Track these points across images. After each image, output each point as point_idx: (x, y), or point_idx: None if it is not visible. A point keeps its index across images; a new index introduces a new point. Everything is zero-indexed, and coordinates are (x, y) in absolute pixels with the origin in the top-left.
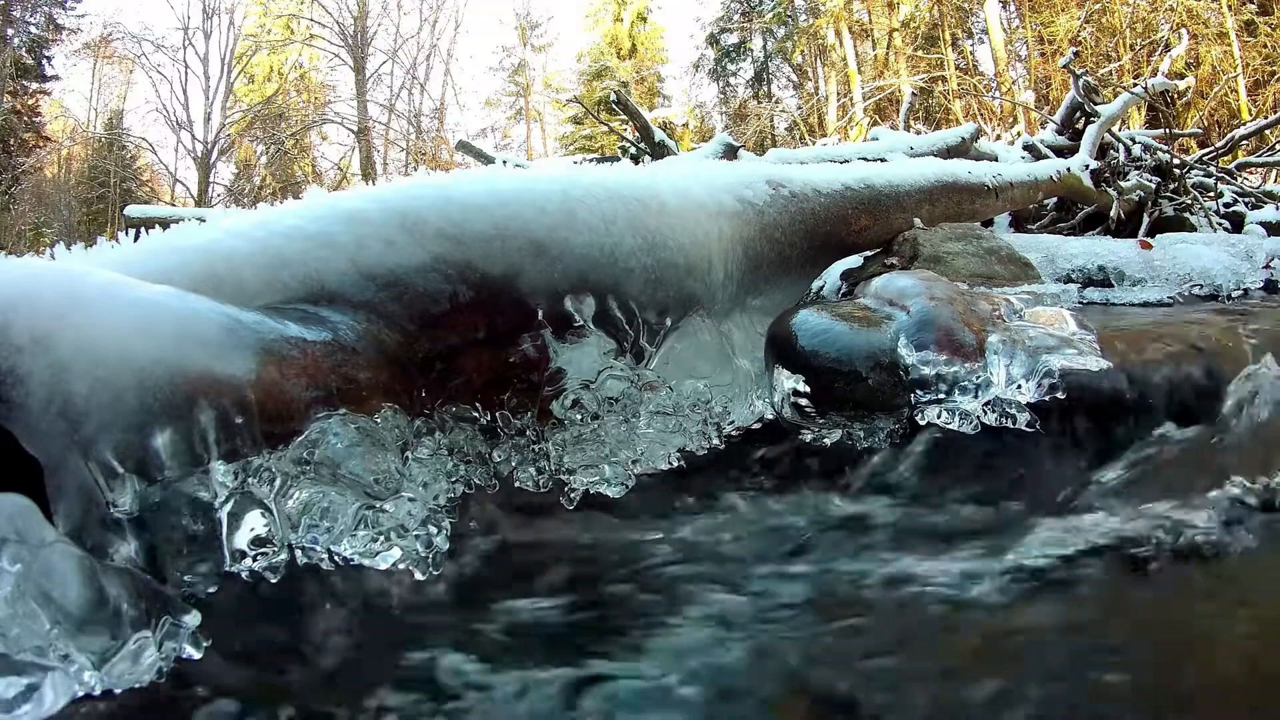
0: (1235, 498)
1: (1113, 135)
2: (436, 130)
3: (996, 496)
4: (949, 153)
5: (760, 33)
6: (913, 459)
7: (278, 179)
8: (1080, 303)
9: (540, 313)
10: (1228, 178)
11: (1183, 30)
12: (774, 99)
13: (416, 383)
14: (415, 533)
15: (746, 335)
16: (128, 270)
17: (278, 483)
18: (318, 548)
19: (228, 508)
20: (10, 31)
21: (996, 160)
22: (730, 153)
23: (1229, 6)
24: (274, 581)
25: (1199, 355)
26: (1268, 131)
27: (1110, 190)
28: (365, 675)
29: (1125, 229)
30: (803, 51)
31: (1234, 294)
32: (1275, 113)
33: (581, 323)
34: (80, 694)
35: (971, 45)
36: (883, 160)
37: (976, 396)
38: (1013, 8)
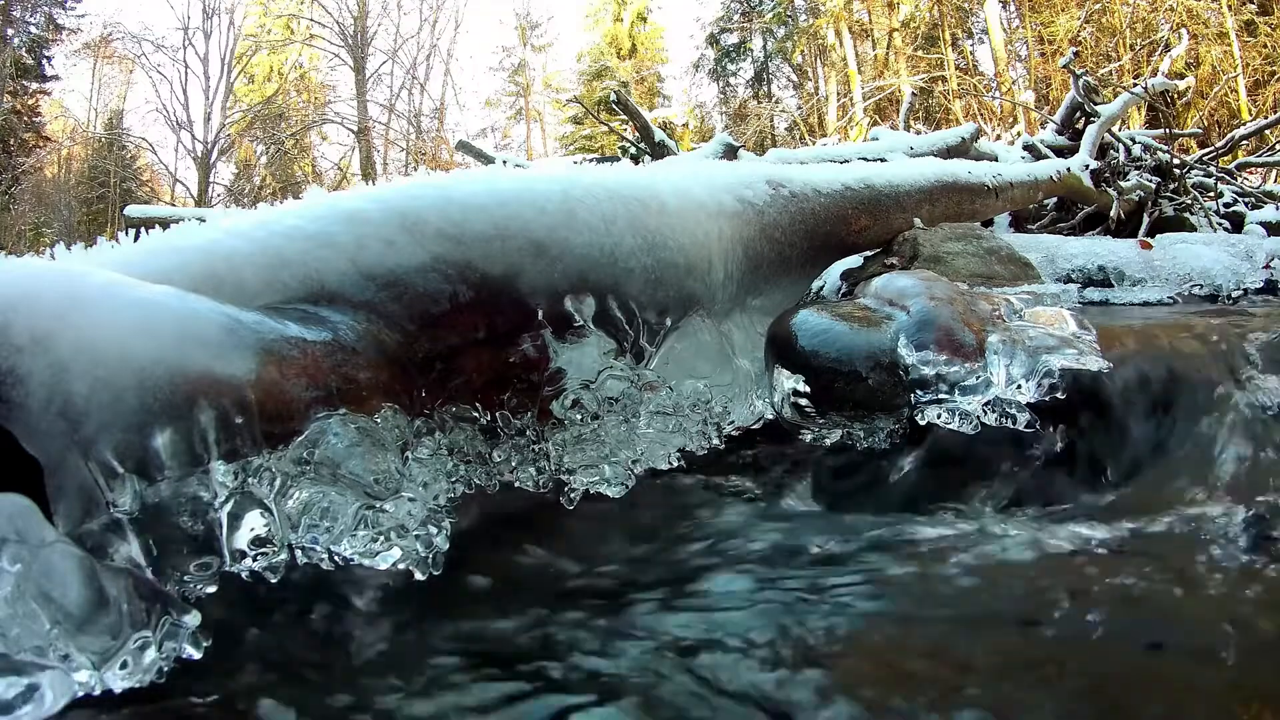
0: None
1: (1113, 135)
2: (436, 130)
3: (990, 497)
4: (949, 153)
5: (760, 33)
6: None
7: (278, 179)
8: (1080, 303)
9: (540, 313)
10: (1228, 178)
11: (1183, 30)
12: (774, 99)
13: (416, 383)
14: (415, 533)
15: (746, 335)
16: (128, 270)
17: (278, 483)
18: (318, 548)
19: (228, 508)
20: (10, 31)
21: (996, 160)
22: (730, 153)
23: (1229, 6)
24: (273, 582)
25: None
26: (1268, 131)
27: (1110, 190)
28: (365, 676)
29: (1125, 229)
30: (803, 51)
31: (1234, 294)
32: (1275, 113)
33: (581, 323)
34: (80, 694)
35: (971, 45)
36: (883, 160)
37: (976, 396)
38: (1013, 8)
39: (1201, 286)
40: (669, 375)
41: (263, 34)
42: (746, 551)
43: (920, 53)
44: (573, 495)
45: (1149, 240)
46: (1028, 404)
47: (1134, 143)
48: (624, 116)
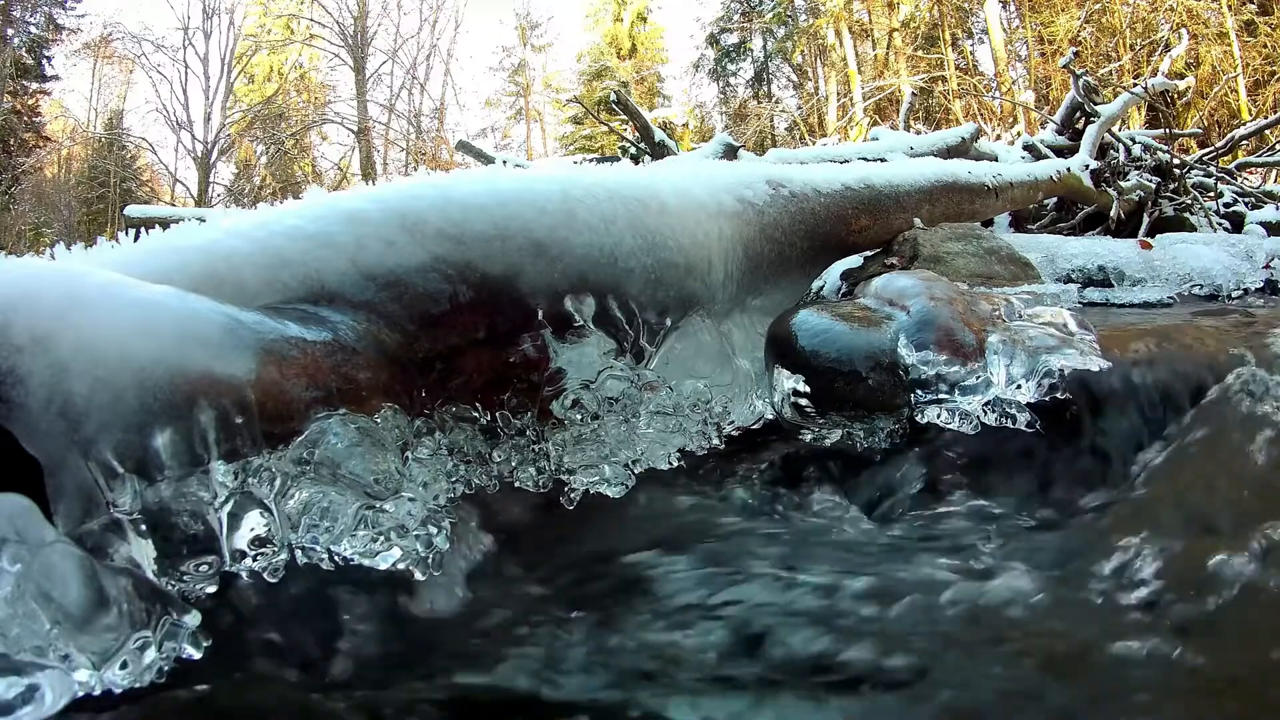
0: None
1: (1113, 135)
2: (436, 130)
3: (991, 497)
4: (949, 153)
5: (760, 33)
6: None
7: (278, 179)
8: (1080, 303)
9: (540, 313)
10: (1228, 178)
11: (1183, 30)
12: (774, 99)
13: (416, 383)
14: (415, 533)
15: (746, 335)
16: (128, 270)
17: (278, 483)
18: (318, 548)
19: (228, 508)
20: (10, 31)
21: (996, 160)
22: (730, 153)
23: (1229, 6)
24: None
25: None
26: (1268, 131)
27: (1110, 190)
28: (368, 676)
29: (1125, 229)
30: (803, 51)
31: (1234, 294)
32: (1275, 113)
33: (581, 323)
34: (80, 694)
35: (971, 45)
36: (883, 160)
37: (976, 396)
38: (1013, 8)
39: (1201, 286)
40: (669, 375)
41: (263, 34)
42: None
43: (920, 53)
44: (573, 495)
45: (1149, 240)
46: (1027, 404)
47: (1134, 143)
48: (624, 116)
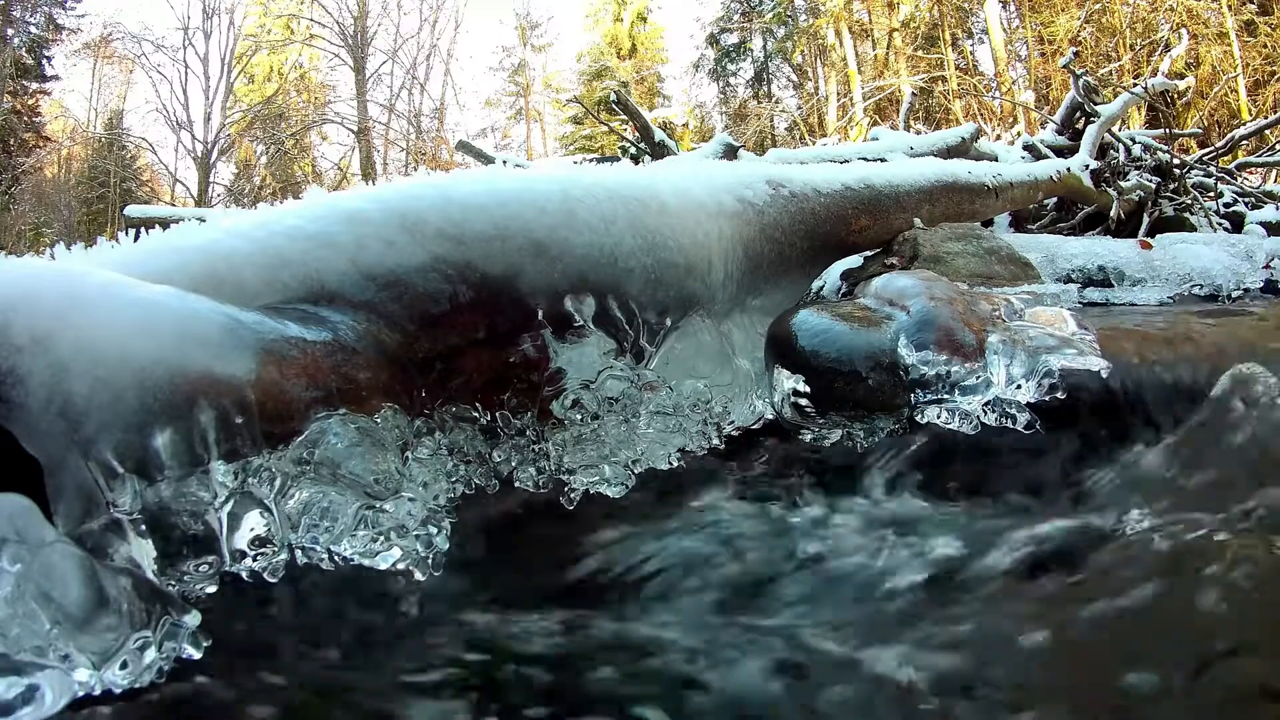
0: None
1: (1113, 135)
2: (436, 130)
3: (993, 494)
4: (949, 153)
5: (760, 33)
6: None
7: (278, 179)
8: (1080, 303)
9: (540, 313)
10: (1228, 178)
11: (1183, 30)
12: (774, 99)
13: (416, 383)
14: (415, 533)
15: (746, 335)
16: (128, 270)
17: (278, 483)
18: (318, 548)
19: (228, 508)
20: (10, 31)
21: (996, 160)
22: (730, 153)
23: (1229, 6)
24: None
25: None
26: (1268, 131)
27: (1110, 190)
28: (368, 676)
29: (1125, 229)
30: (803, 51)
31: (1234, 294)
32: (1275, 113)
33: (581, 323)
34: (80, 694)
35: (971, 45)
36: (883, 160)
37: (977, 396)
38: (1013, 8)
39: (1201, 286)
40: (669, 375)
41: (263, 34)
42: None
43: (920, 53)
44: (572, 495)
45: (1149, 240)
46: (1027, 404)
47: (1134, 143)
48: (624, 116)
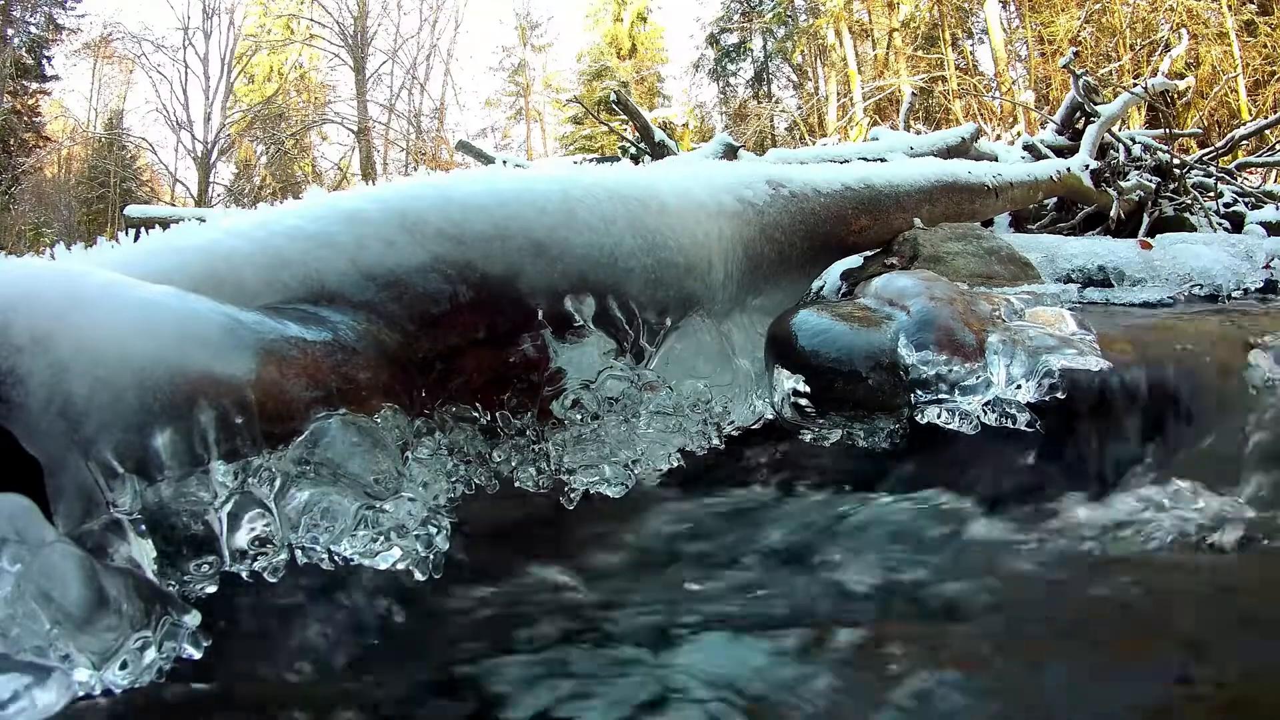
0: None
1: (1113, 135)
2: (436, 130)
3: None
4: (949, 153)
5: (760, 33)
6: None
7: (278, 179)
8: (1080, 303)
9: (540, 313)
10: (1228, 178)
11: (1183, 30)
12: (774, 99)
13: (416, 383)
14: (415, 533)
15: (746, 335)
16: (128, 270)
17: (278, 483)
18: (318, 548)
19: (228, 508)
20: (10, 31)
21: (996, 160)
22: (730, 153)
23: (1229, 6)
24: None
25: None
26: (1268, 131)
27: (1110, 190)
28: (368, 676)
29: (1125, 229)
30: (803, 51)
31: (1234, 294)
32: (1275, 113)
33: (581, 323)
34: (80, 694)
35: (971, 45)
36: (883, 160)
37: (977, 396)
38: (1013, 8)
39: (1201, 286)
40: (669, 375)
41: (263, 34)
42: None
43: (920, 53)
44: (573, 495)
45: (1149, 240)
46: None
47: (1134, 143)
48: (624, 116)
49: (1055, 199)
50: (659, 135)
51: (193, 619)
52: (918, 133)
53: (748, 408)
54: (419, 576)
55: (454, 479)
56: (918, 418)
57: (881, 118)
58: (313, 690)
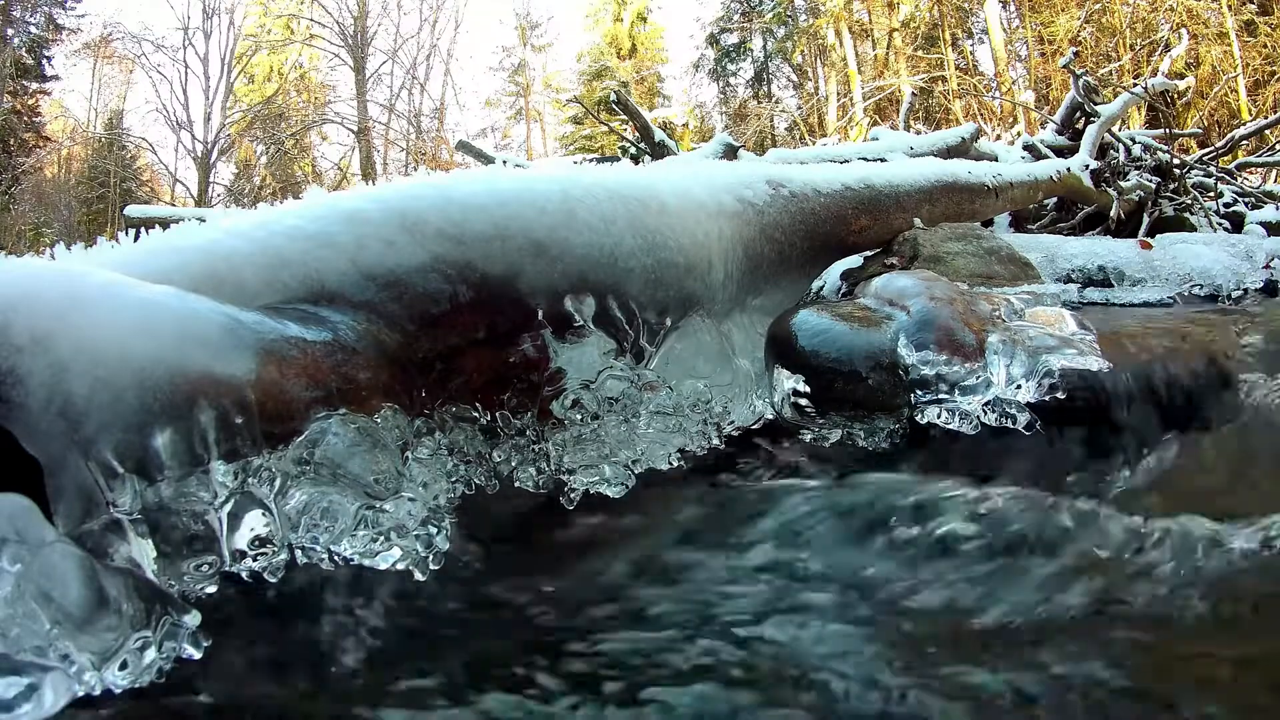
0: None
1: (1113, 135)
2: (436, 130)
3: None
4: (949, 153)
5: (760, 33)
6: None
7: (278, 179)
8: (1080, 303)
9: (540, 313)
10: (1228, 178)
11: (1183, 30)
12: (774, 99)
13: (416, 383)
14: (415, 533)
15: (746, 335)
16: (128, 270)
17: (278, 483)
18: (318, 548)
19: (228, 508)
20: (10, 31)
21: (996, 160)
22: (730, 153)
23: (1229, 6)
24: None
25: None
26: (1268, 131)
27: (1110, 190)
28: (367, 676)
29: (1125, 229)
30: (803, 51)
31: (1234, 294)
32: (1275, 113)
33: (581, 323)
34: (80, 694)
35: (971, 45)
36: (883, 160)
37: (976, 396)
38: (1013, 8)
39: (1201, 286)
40: (669, 375)
41: (263, 34)
42: None
43: (920, 53)
44: (572, 495)
45: (1149, 240)
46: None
47: (1134, 143)
48: (624, 116)
49: (1055, 199)
50: (659, 135)
51: (193, 619)
52: (918, 133)
53: (748, 408)
54: (419, 576)
55: (454, 479)
56: (918, 418)
57: (881, 118)
58: (313, 690)
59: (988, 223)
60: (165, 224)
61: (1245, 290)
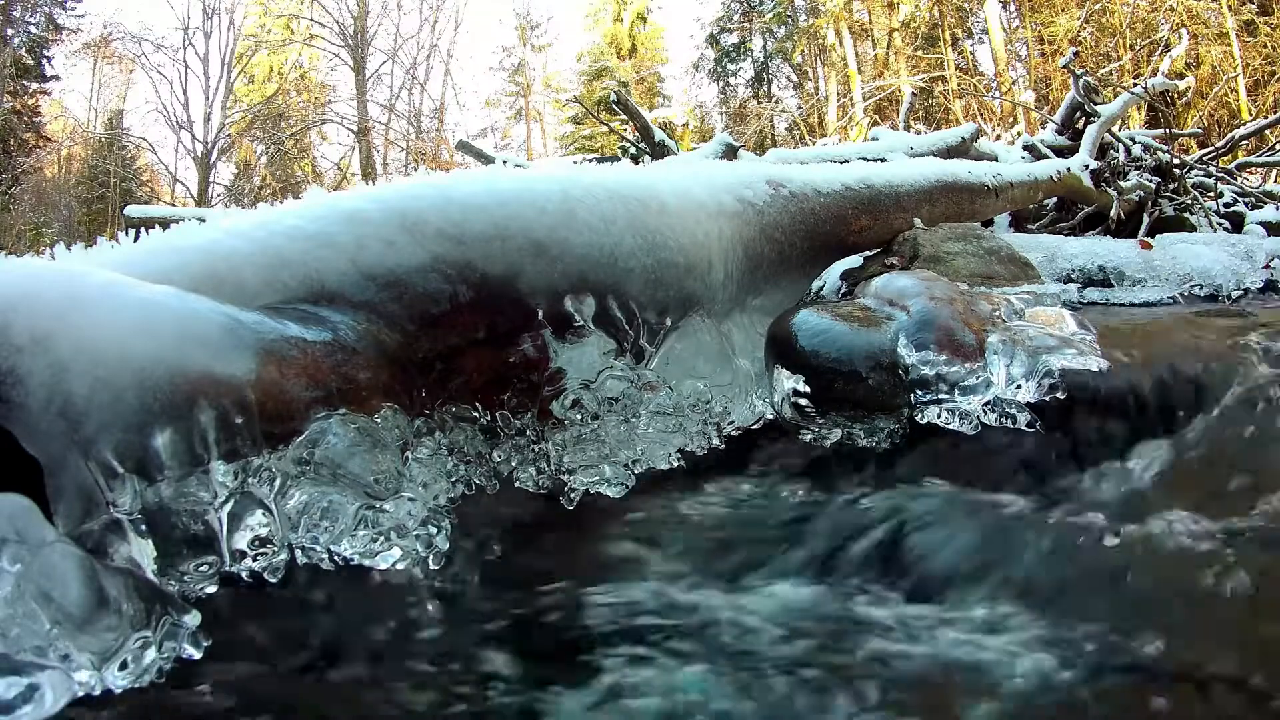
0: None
1: (1113, 135)
2: (436, 130)
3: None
4: (949, 153)
5: (760, 33)
6: None
7: (278, 179)
8: (1080, 303)
9: (540, 313)
10: (1228, 178)
11: (1183, 30)
12: (774, 99)
13: (416, 383)
14: (415, 533)
15: (746, 335)
16: (128, 270)
17: (278, 483)
18: (318, 548)
19: (228, 508)
20: (10, 31)
21: (996, 160)
22: (730, 153)
23: (1229, 6)
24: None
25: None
26: (1268, 131)
27: (1110, 190)
28: (366, 675)
29: (1125, 229)
30: (803, 51)
31: (1234, 294)
32: (1275, 113)
33: (581, 323)
34: (80, 694)
35: (971, 45)
36: (883, 160)
37: (977, 396)
38: (1013, 8)
39: (1201, 286)
40: (669, 375)
41: (263, 34)
42: None
43: (920, 53)
44: (572, 495)
45: (1149, 240)
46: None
47: (1134, 143)
48: (624, 116)
49: (1055, 199)
50: (659, 135)
51: (193, 619)
52: (918, 133)
53: (748, 408)
54: (419, 576)
55: (454, 479)
56: (918, 418)
57: (881, 118)
58: (313, 689)
59: (988, 223)
60: (165, 224)
61: (1245, 290)
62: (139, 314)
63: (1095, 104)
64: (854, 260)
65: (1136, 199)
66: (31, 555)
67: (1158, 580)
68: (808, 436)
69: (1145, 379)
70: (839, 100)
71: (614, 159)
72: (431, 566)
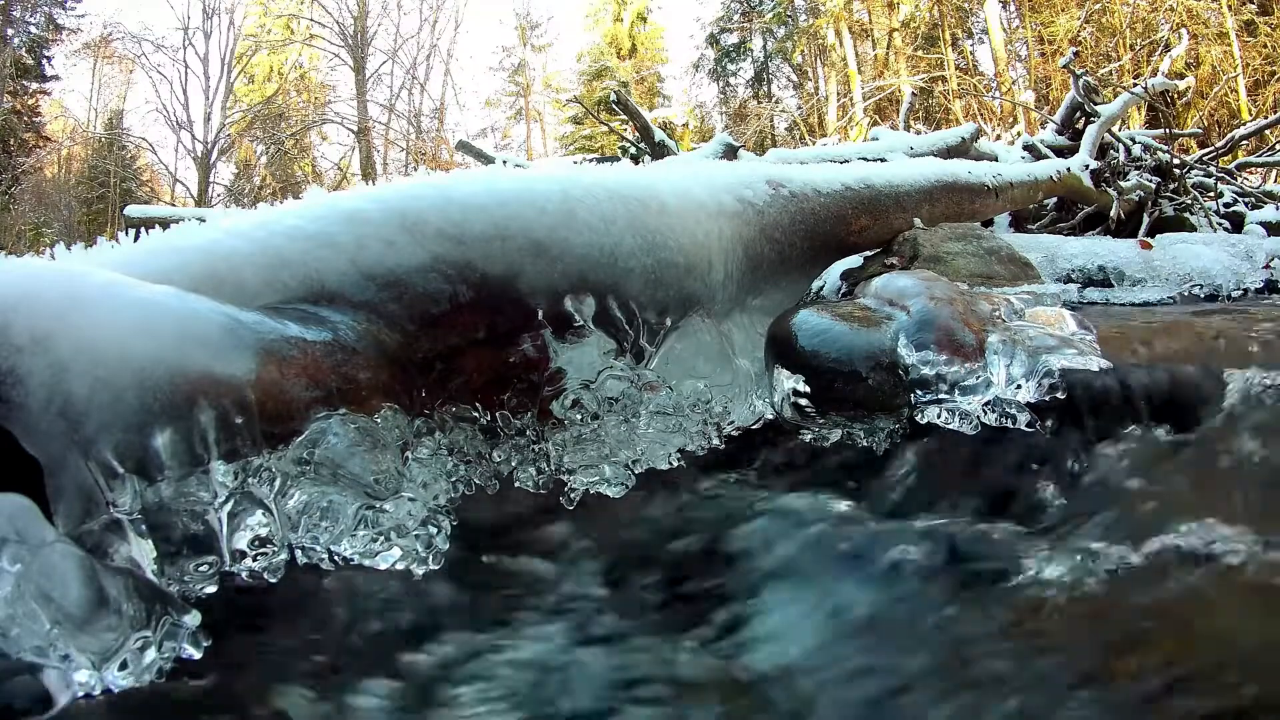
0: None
1: (1113, 135)
2: (436, 130)
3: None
4: (949, 153)
5: (760, 33)
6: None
7: (278, 179)
8: (1080, 303)
9: (540, 313)
10: (1228, 178)
11: (1183, 30)
12: (774, 99)
13: (416, 383)
14: (415, 533)
15: (746, 335)
16: (128, 270)
17: (278, 483)
18: (318, 548)
19: (228, 508)
20: (10, 31)
21: (996, 160)
22: (730, 153)
23: (1229, 6)
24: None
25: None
26: (1268, 131)
27: (1110, 190)
28: (364, 675)
29: (1125, 229)
30: (803, 51)
31: (1234, 294)
32: (1275, 113)
33: (581, 323)
34: (80, 694)
35: (971, 45)
36: (883, 160)
37: (977, 396)
38: (1013, 8)
39: (1201, 286)
40: (669, 375)
41: (263, 34)
42: None
43: (920, 53)
44: (573, 495)
45: (1149, 240)
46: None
47: (1134, 143)
48: (624, 116)
49: (1055, 199)
50: (659, 135)
51: (193, 619)
52: (918, 133)
53: (748, 408)
54: (418, 573)
55: (454, 479)
56: (918, 418)
57: (881, 118)
58: (313, 689)
59: (988, 223)
60: (165, 224)
61: (1245, 290)
62: (139, 314)
63: (1095, 104)
64: (854, 260)
65: (1136, 199)
66: (31, 555)
67: (1158, 585)
68: (808, 436)
69: (1145, 379)
70: (839, 100)
71: (614, 159)
72: (431, 566)
